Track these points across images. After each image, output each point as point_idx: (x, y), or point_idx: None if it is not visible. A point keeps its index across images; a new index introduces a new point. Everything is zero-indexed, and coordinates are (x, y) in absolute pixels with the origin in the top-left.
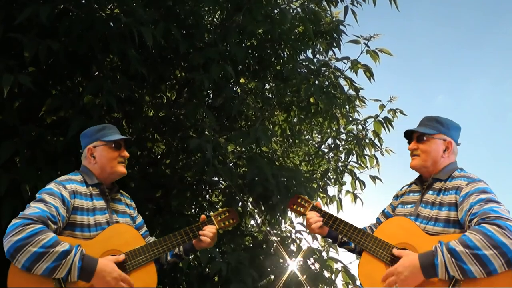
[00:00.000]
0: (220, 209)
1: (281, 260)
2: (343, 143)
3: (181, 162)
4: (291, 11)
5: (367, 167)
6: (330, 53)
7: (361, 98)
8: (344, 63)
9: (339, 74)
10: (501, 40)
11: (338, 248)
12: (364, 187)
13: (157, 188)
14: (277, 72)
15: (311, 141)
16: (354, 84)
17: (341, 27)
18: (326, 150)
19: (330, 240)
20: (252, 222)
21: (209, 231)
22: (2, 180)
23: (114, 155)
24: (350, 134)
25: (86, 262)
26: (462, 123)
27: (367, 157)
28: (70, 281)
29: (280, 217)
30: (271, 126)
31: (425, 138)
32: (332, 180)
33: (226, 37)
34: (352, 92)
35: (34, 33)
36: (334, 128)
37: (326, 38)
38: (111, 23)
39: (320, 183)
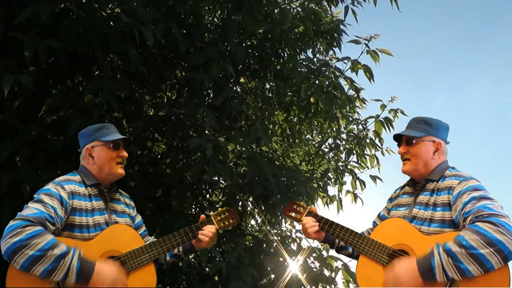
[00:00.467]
0: (220, 209)
1: (281, 260)
2: (343, 143)
3: (181, 162)
4: (292, 10)
5: (367, 167)
6: (331, 53)
7: (361, 98)
8: (345, 63)
9: (339, 74)
10: (501, 40)
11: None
12: (365, 187)
13: (157, 188)
14: (277, 71)
15: (311, 141)
16: (354, 84)
17: (341, 27)
18: (326, 150)
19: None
20: (252, 221)
21: (208, 231)
22: (2, 180)
23: (112, 156)
24: (351, 134)
25: (84, 265)
26: (462, 123)
27: (367, 157)
28: (68, 283)
29: (280, 217)
30: (271, 126)
31: (414, 141)
32: (333, 180)
33: (227, 37)
34: (352, 92)
35: (34, 33)
36: (334, 128)
37: (326, 38)
38: (111, 23)
39: (320, 183)
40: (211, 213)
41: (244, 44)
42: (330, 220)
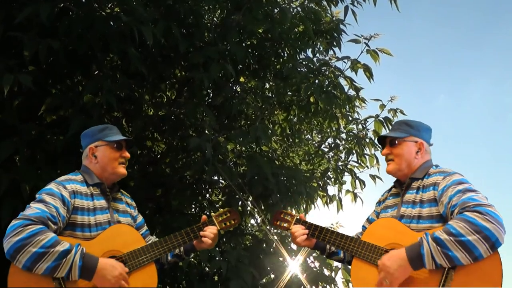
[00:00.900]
0: (221, 210)
1: (281, 259)
2: (343, 142)
3: (181, 161)
4: (291, 10)
5: (367, 166)
6: (330, 52)
7: (361, 98)
8: (344, 62)
9: (339, 73)
10: (501, 40)
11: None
12: (364, 186)
13: (157, 187)
14: (277, 71)
15: (311, 141)
16: (354, 83)
17: (341, 26)
18: (326, 150)
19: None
20: (252, 221)
21: (210, 231)
22: (2, 180)
23: (115, 156)
24: (350, 133)
25: (87, 261)
26: (462, 123)
27: (367, 157)
28: (71, 280)
29: None
30: (271, 125)
31: (397, 142)
32: (332, 180)
33: (226, 36)
34: (352, 92)
35: (34, 32)
36: (334, 128)
37: (326, 38)
38: (111, 22)
39: (320, 182)
40: (213, 213)
41: (244, 44)
42: (320, 226)
